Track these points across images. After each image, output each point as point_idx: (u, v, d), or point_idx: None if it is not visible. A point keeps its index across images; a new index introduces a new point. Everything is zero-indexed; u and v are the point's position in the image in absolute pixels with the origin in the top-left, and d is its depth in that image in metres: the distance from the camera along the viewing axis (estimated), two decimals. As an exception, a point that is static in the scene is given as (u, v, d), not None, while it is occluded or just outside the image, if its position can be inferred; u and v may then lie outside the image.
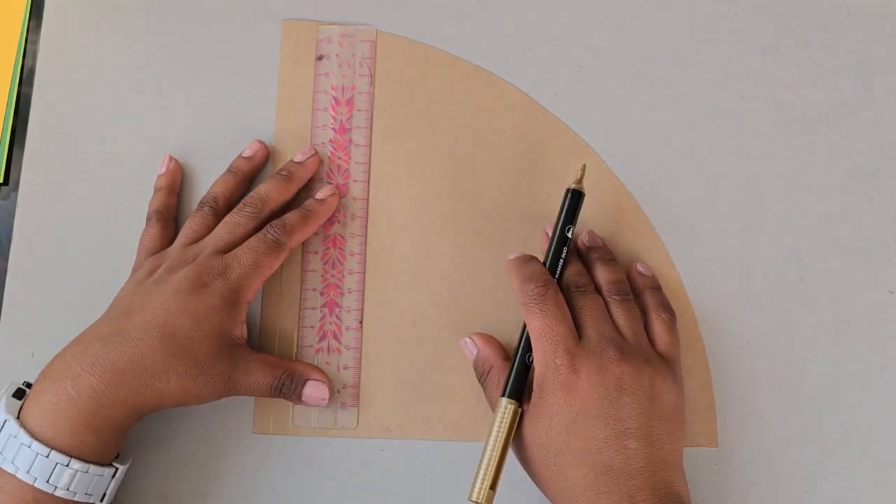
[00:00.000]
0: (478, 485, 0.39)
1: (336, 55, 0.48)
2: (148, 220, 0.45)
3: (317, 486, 0.44)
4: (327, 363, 0.45)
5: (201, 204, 0.45)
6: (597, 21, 0.49)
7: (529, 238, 0.46)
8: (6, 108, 0.48)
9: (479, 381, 0.44)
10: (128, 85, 0.48)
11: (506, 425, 0.39)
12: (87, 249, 0.46)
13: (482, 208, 0.46)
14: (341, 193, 0.46)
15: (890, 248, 0.46)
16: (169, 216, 0.46)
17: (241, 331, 0.42)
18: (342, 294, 0.46)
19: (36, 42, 0.49)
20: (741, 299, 0.46)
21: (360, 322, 0.45)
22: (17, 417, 0.37)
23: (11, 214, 0.47)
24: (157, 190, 0.46)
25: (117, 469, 0.40)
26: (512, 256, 0.44)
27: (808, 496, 0.44)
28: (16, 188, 0.47)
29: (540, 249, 0.45)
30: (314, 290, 0.46)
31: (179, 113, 0.48)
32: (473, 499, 0.39)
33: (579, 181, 0.44)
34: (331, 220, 0.46)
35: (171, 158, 0.47)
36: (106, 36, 0.49)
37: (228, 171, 0.46)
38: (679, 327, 0.44)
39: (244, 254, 0.42)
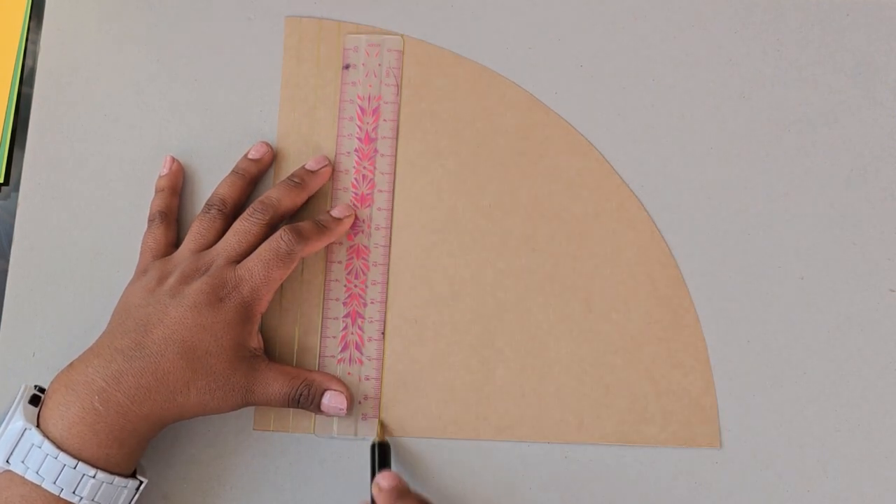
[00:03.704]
0: None
1: (363, 64, 0.48)
2: (151, 221, 0.45)
3: (318, 484, 0.44)
4: (349, 374, 0.45)
5: (208, 206, 0.44)
6: (598, 21, 0.49)
7: (531, 237, 0.46)
8: (6, 108, 0.48)
9: None
10: (128, 85, 0.48)
11: None
12: (87, 249, 0.46)
13: (484, 207, 0.46)
14: (366, 203, 0.46)
15: (890, 247, 0.46)
16: (172, 217, 0.45)
17: (257, 341, 0.42)
18: (365, 305, 0.45)
19: (36, 42, 0.49)
20: (742, 298, 0.46)
21: (383, 333, 0.45)
22: (37, 426, 0.37)
23: (12, 214, 0.47)
24: (158, 191, 0.46)
25: (142, 482, 0.40)
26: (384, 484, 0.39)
27: (809, 496, 0.44)
28: (16, 188, 0.47)
29: (540, 252, 0.45)
30: (337, 300, 0.45)
31: (180, 112, 0.48)
32: None
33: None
34: (354, 230, 0.46)
35: (173, 160, 0.46)
36: (106, 36, 0.49)
37: (235, 172, 0.46)
38: (681, 327, 0.44)
39: (256, 266, 0.41)
